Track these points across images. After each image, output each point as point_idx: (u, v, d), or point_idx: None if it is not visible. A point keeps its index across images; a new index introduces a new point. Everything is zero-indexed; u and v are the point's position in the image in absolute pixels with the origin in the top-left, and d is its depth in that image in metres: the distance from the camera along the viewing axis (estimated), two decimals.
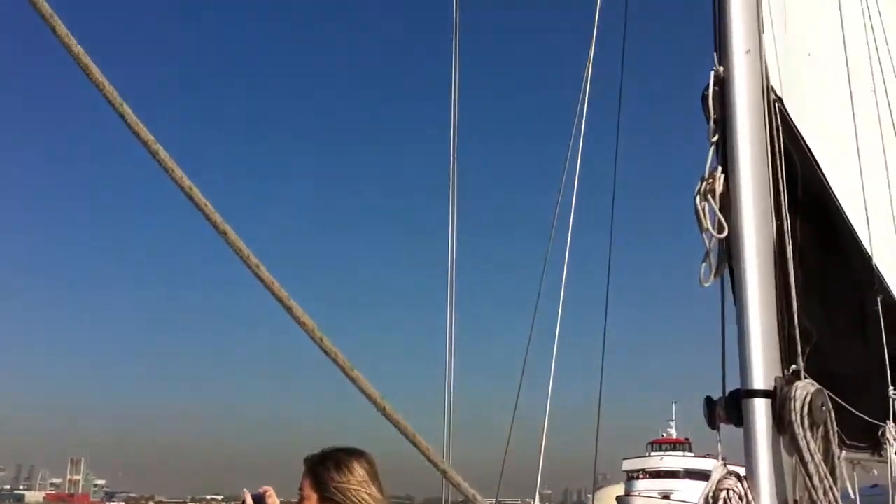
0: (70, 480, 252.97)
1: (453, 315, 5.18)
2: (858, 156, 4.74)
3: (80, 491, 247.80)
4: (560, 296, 5.65)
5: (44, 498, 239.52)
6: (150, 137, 2.17)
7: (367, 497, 3.79)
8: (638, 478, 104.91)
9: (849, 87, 4.83)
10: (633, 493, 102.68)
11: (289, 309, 2.06)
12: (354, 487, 3.79)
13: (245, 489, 3.98)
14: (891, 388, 4.69)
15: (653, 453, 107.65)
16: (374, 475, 3.87)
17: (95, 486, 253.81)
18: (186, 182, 2.19)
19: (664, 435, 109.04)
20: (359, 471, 3.82)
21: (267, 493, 3.99)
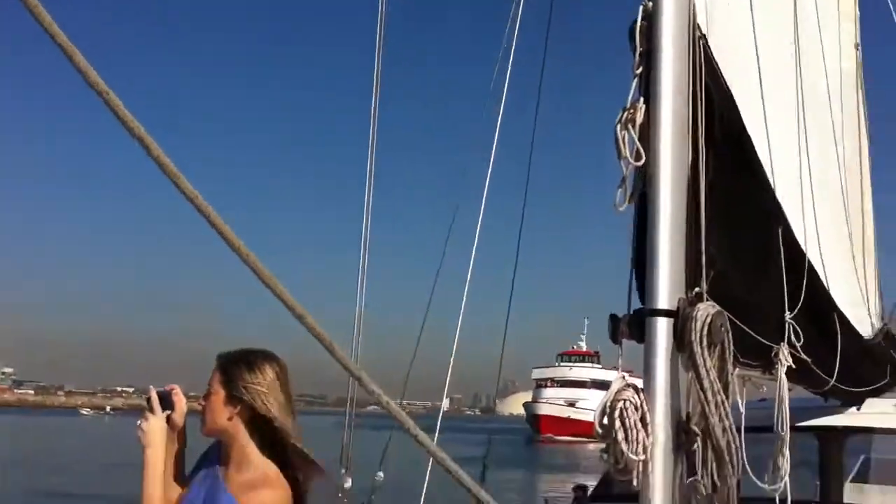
0: None
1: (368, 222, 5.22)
2: (763, 99, 4.91)
3: None
4: (480, 210, 5.73)
5: None
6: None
7: (272, 401, 3.79)
8: (546, 386, 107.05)
9: (769, 29, 4.99)
10: (540, 401, 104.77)
11: (208, 217, 2.13)
12: (263, 390, 3.78)
13: (151, 387, 3.96)
14: (787, 312, 4.93)
15: (562, 363, 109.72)
16: (284, 381, 3.87)
17: (3, 373, 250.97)
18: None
19: (574, 347, 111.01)
20: (269, 374, 3.82)
21: (174, 391, 4.00)
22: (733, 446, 4.28)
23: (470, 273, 5.62)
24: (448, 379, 5.15)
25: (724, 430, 4.29)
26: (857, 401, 6.35)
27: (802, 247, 5.14)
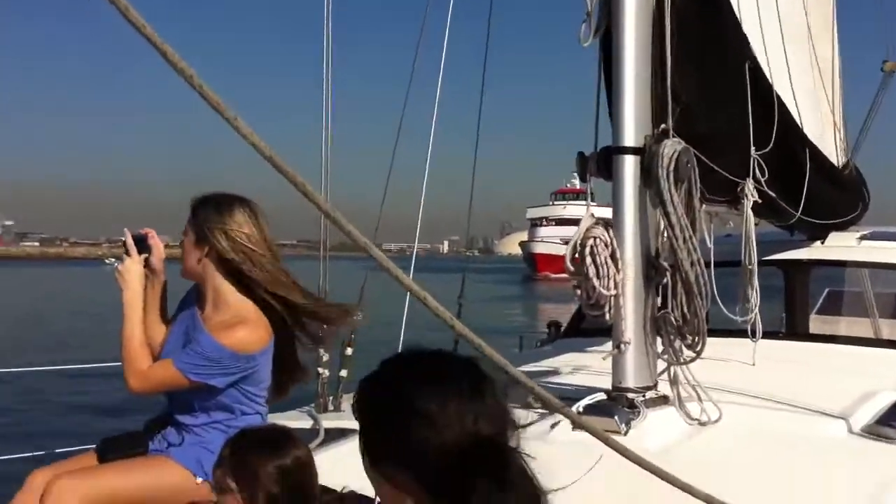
0: None
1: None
2: None
3: None
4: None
5: None
6: None
7: (244, 237, 3.71)
8: (541, 225, 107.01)
9: None
10: (535, 239, 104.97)
11: (164, 54, 1.97)
12: (231, 229, 3.71)
13: (126, 229, 3.91)
14: (752, 148, 4.82)
15: (556, 202, 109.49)
16: (256, 222, 3.78)
17: (4, 226, 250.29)
18: None
19: (568, 185, 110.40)
20: (238, 216, 3.74)
21: (149, 235, 3.93)
22: (702, 279, 4.22)
23: (435, 118, 5.41)
24: (419, 221, 5.00)
25: (692, 263, 4.23)
26: (823, 234, 6.31)
27: (770, 81, 4.96)
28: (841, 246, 6.33)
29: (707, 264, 4.53)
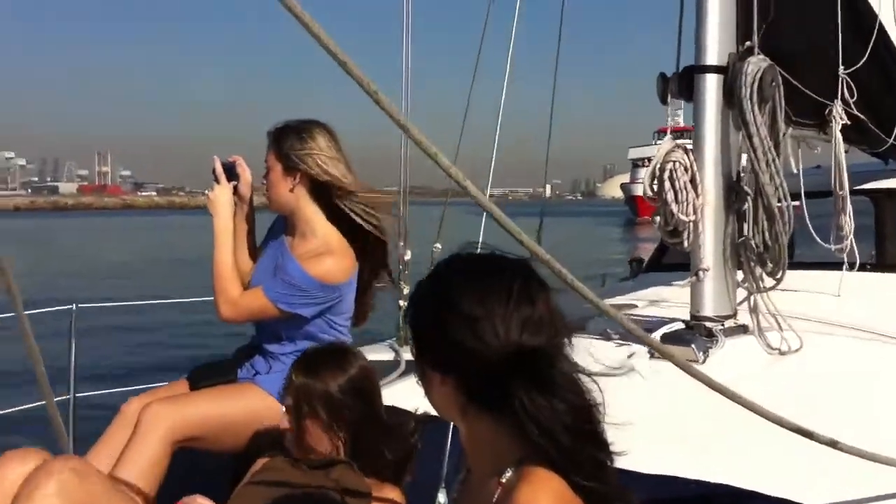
0: (99, 172, 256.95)
1: None
2: None
3: (109, 182, 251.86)
4: None
5: (77, 189, 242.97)
6: None
7: (328, 162, 3.68)
8: (643, 165, 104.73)
9: None
10: (637, 181, 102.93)
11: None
12: (316, 153, 3.68)
13: (215, 157, 3.89)
14: (841, 67, 4.53)
15: (658, 141, 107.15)
16: (336, 144, 3.74)
17: (121, 176, 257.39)
18: None
19: (671, 123, 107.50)
20: (320, 139, 3.71)
21: (237, 162, 3.91)
22: (784, 204, 3.98)
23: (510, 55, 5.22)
24: (493, 163, 4.82)
25: (775, 188, 4.00)
26: None
27: None
28: None
29: (795, 193, 4.28)
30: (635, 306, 5.03)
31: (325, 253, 3.66)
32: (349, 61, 1.90)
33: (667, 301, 4.89)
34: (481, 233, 4.43)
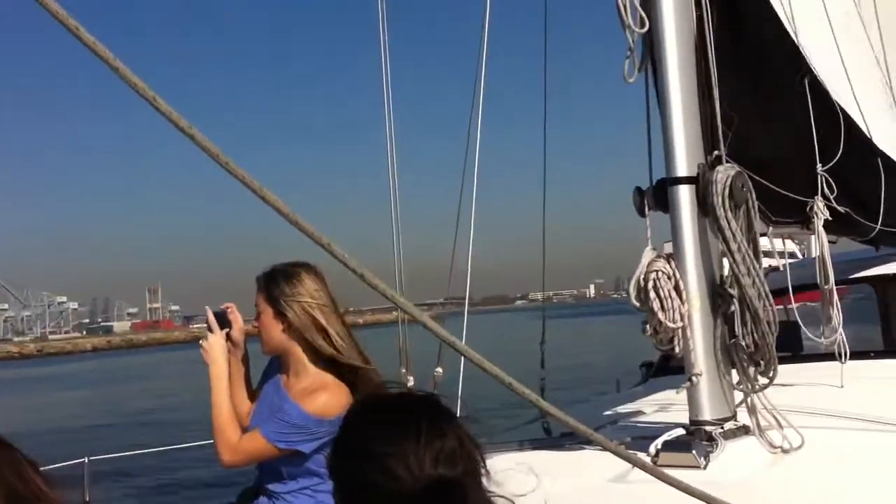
0: (150, 308, 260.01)
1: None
2: None
3: (161, 317, 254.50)
4: None
5: (130, 326, 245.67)
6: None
7: (315, 307, 3.75)
8: None
9: None
10: None
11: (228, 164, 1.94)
12: (306, 299, 3.74)
13: (207, 307, 3.99)
14: (819, 165, 4.56)
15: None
16: (323, 284, 3.81)
17: (170, 311, 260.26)
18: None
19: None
20: (308, 282, 3.78)
21: (229, 310, 4.01)
22: (767, 304, 3.99)
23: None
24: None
25: (756, 289, 4.02)
26: None
27: (832, 94, 4.69)
28: None
29: (781, 290, 4.28)
30: (641, 413, 5.00)
31: (320, 389, 3.71)
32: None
33: (674, 405, 4.86)
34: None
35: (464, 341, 4.57)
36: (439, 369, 4.82)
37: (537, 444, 4.59)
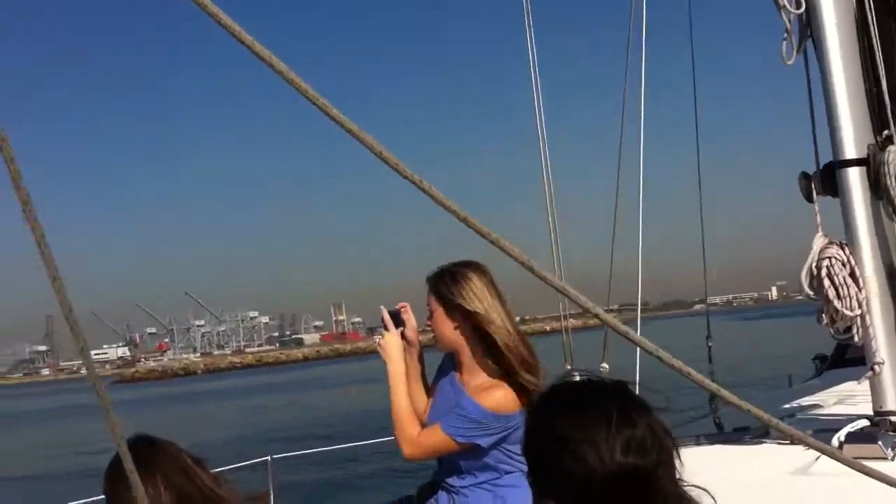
0: (336, 321, 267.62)
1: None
2: None
3: (346, 329, 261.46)
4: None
5: (320, 338, 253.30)
6: None
7: (482, 302, 3.73)
8: None
9: None
10: None
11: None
12: (473, 294, 3.75)
13: (382, 307, 4.06)
14: None
15: None
16: (490, 282, 3.81)
17: (352, 323, 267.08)
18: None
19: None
20: (474, 279, 3.79)
21: (403, 309, 4.06)
22: None
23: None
24: (639, 276, 4.79)
25: None
26: None
27: None
28: None
29: None
30: (820, 406, 4.79)
31: (495, 386, 3.71)
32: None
33: (852, 397, 4.64)
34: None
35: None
36: (605, 364, 4.72)
37: (713, 440, 4.50)
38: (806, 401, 4.96)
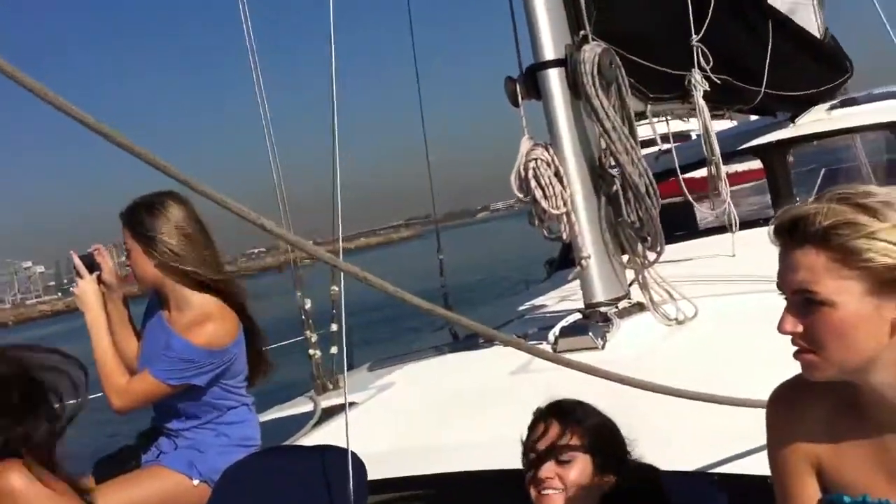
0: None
1: None
2: None
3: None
4: None
5: None
6: None
7: (180, 238, 3.46)
8: None
9: None
10: None
11: None
12: (175, 229, 3.46)
13: (71, 251, 3.70)
14: (693, 36, 4.38)
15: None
16: (191, 211, 3.54)
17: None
18: None
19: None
20: (174, 210, 3.50)
21: (96, 252, 3.70)
22: (647, 180, 3.84)
23: None
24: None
25: (635, 167, 3.88)
26: (802, 111, 5.74)
27: None
28: (812, 121, 5.76)
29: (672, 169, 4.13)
30: (545, 305, 4.89)
31: (205, 320, 3.49)
32: None
33: (574, 294, 4.77)
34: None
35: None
36: (335, 287, 4.58)
37: (451, 348, 4.53)
38: (533, 302, 5.06)
